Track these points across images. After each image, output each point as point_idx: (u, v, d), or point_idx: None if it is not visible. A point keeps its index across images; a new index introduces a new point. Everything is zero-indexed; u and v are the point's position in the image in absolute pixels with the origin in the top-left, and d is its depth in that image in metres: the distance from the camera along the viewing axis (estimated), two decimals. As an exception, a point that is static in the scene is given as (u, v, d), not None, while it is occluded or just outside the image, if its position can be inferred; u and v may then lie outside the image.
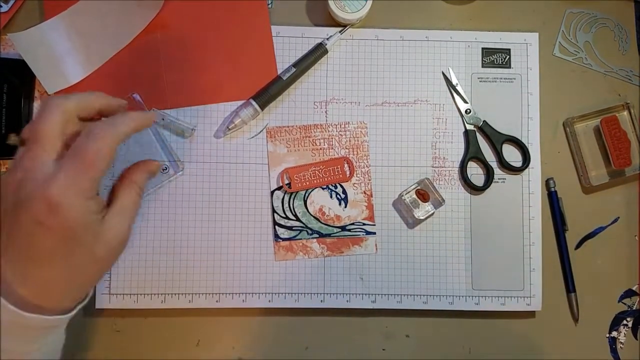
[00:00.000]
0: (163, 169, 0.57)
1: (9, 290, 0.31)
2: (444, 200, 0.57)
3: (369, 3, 0.57)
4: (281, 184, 0.57)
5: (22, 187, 0.31)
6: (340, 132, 0.58)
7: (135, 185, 0.36)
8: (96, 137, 0.32)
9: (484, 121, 0.59)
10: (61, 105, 0.33)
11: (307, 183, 0.57)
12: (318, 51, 0.57)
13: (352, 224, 0.57)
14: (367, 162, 0.58)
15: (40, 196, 0.30)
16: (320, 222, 0.57)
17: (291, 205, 0.57)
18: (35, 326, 0.32)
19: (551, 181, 0.59)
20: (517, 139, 0.58)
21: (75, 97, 0.34)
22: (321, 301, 0.57)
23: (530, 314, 0.58)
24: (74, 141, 0.33)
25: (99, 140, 0.32)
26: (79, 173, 0.31)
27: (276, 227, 0.57)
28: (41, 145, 0.32)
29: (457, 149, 0.59)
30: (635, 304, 0.59)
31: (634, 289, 0.59)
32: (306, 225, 0.57)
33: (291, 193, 0.57)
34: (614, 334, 0.59)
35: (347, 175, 0.58)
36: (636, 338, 0.59)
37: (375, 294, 0.57)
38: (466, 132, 0.59)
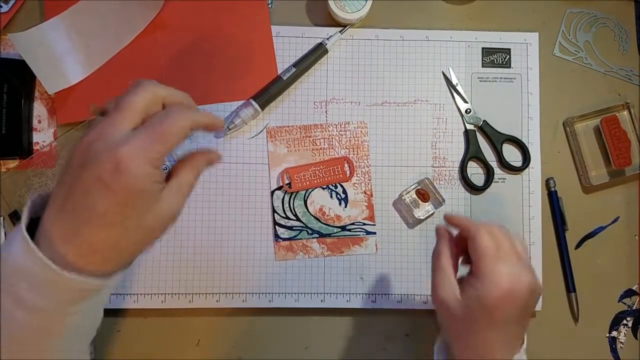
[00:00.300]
0: (163, 169, 0.57)
1: (51, 247, 0.32)
2: (444, 200, 0.57)
3: (369, 3, 0.57)
4: (281, 184, 0.57)
5: (92, 147, 0.32)
6: (340, 132, 0.58)
7: (195, 168, 0.37)
8: (172, 115, 0.34)
9: (484, 121, 0.59)
10: (152, 87, 0.35)
11: (308, 183, 0.57)
12: (318, 51, 0.57)
13: (352, 223, 0.58)
14: (367, 162, 0.58)
15: (108, 156, 0.31)
16: (321, 222, 0.57)
17: (291, 205, 0.57)
18: (73, 287, 0.33)
19: (551, 181, 0.59)
20: (517, 138, 0.58)
21: (167, 87, 0.36)
22: (321, 301, 0.57)
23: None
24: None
25: (175, 117, 0.34)
26: (150, 142, 0.32)
27: (276, 227, 0.57)
28: (122, 114, 0.33)
29: (457, 148, 0.59)
30: (635, 304, 0.59)
31: (634, 288, 0.59)
32: (306, 225, 0.57)
33: (291, 193, 0.57)
34: (614, 333, 0.59)
35: (347, 175, 0.58)
36: (636, 338, 0.59)
37: (375, 294, 0.57)
38: (466, 132, 0.59)
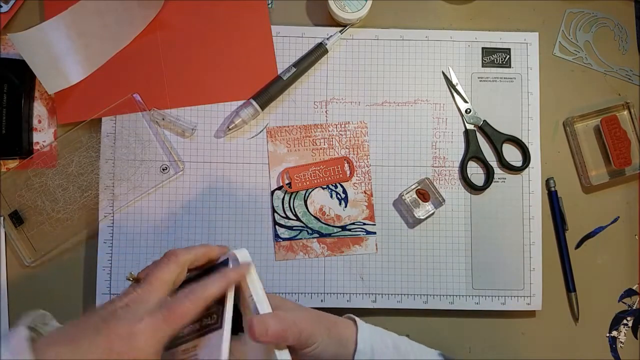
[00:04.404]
0: (163, 169, 0.57)
1: None
2: (444, 200, 0.57)
3: (369, 3, 0.57)
4: (281, 184, 0.57)
5: (118, 312, 0.37)
6: (340, 132, 0.58)
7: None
8: (190, 300, 0.38)
9: (484, 121, 0.59)
10: (180, 259, 0.40)
11: (308, 183, 0.57)
12: (318, 51, 0.57)
13: (353, 223, 0.57)
14: (367, 161, 0.58)
15: (127, 325, 0.36)
16: (321, 222, 0.57)
17: (291, 205, 0.57)
18: None
19: (551, 181, 0.59)
20: (517, 138, 0.58)
21: (193, 252, 0.41)
22: (321, 301, 0.57)
23: (531, 314, 0.58)
24: (176, 293, 0.39)
25: (191, 302, 0.38)
26: (164, 323, 0.37)
27: (276, 227, 0.57)
28: (151, 287, 0.39)
29: (457, 148, 0.59)
30: (636, 304, 0.59)
31: (634, 288, 0.59)
32: (306, 225, 0.57)
33: (291, 193, 0.57)
34: (614, 333, 0.59)
35: (348, 175, 0.58)
36: (636, 337, 0.59)
37: (375, 294, 0.57)
38: (466, 132, 0.59)
